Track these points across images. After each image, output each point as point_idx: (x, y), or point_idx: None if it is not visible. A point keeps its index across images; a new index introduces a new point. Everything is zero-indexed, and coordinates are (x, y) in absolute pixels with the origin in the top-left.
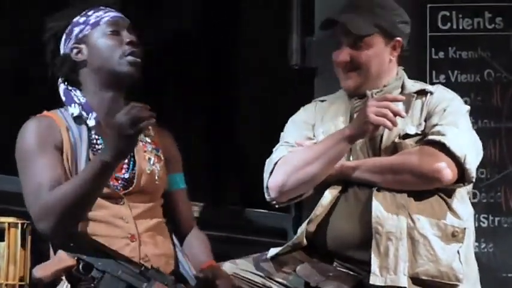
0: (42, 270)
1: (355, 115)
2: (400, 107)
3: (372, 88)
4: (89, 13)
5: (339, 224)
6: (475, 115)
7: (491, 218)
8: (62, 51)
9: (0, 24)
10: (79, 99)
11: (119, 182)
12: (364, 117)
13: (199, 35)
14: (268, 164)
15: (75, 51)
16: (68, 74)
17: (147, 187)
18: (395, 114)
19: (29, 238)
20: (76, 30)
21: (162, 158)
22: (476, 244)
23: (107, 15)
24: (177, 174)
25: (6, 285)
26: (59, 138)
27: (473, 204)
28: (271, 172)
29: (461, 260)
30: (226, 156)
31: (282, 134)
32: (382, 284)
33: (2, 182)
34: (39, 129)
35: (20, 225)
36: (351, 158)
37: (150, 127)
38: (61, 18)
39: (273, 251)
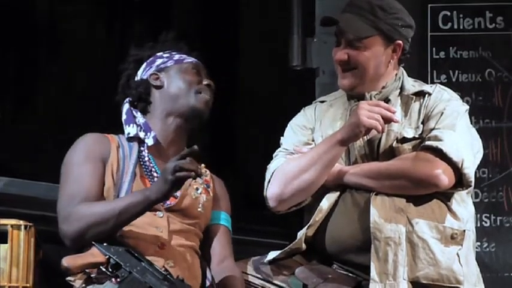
0: (71, 260)
1: None
2: (397, 109)
3: (368, 89)
4: (173, 53)
5: (337, 228)
6: (476, 115)
7: (493, 217)
8: (139, 77)
9: None
10: (138, 120)
11: None
12: (355, 120)
13: (199, 37)
14: (267, 173)
15: (153, 77)
16: (141, 94)
17: (189, 210)
18: (387, 120)
19: (32, 240)
20: (159, 61)
21: (211, 194)
22: (478, 244)
23: (191, 58)
24: (222, 212)
25: (9, 287)
26: (107, 152)
27: (475, 204)
28: (269, 181)
29: (461, 262)
30: (227, 158)
31: (281, 138)
32: None
33: (6, 184)
34: (89, 142)
35: (23, 227)
36: (350, 162)
37: (207, 170)
38: (145, 49)
39: (271, 255)
